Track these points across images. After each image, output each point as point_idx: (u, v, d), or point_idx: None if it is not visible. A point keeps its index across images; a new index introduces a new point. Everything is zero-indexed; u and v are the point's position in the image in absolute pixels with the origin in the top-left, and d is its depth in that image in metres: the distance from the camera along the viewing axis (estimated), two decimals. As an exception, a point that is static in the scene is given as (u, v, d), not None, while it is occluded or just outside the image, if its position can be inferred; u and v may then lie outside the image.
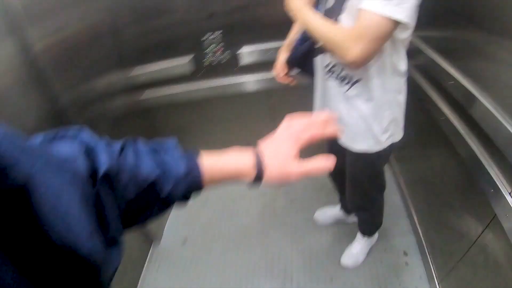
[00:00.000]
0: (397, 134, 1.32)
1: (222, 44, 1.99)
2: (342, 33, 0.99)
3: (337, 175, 1.73)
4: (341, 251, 1.98)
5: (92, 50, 1.82)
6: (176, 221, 2.52)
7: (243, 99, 2.21)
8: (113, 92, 1.99)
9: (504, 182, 1.05)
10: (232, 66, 2.08)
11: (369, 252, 1.96)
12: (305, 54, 1.33)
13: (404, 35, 1.07)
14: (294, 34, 1.41)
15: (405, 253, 1.93)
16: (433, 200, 1.77)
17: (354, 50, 0.96)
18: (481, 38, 1.17)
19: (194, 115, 2.39)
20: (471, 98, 1.18)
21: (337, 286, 1.87)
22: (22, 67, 1.37)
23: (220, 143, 2.38)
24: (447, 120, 1.37)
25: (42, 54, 1.42)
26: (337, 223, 2.17)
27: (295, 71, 1.46)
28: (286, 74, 1.44)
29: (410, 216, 2.09)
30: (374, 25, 0.93)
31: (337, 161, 1.30)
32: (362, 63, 1.00)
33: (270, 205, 2.44)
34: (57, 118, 1.54)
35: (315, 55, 1.30)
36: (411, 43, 1.60)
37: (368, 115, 1.23)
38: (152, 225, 2.27)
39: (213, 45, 2.00)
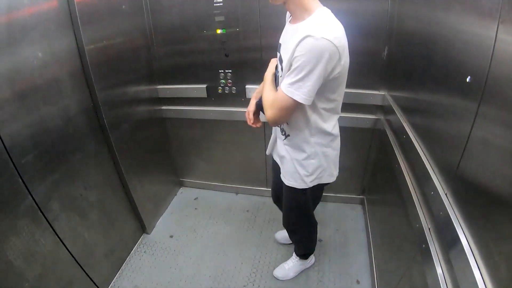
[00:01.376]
0: (324, 177, 1.65)
1: (231, 80, 2.47)
2: (269, 99, 1.40)
3: (279, 202, 2.09)
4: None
5: (130, 61, 2.32)
6: (168, 219, 2.96)
7: (243, 126, 2.64)
8: (139, 99, 2.47)
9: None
10: (239, 97, 2.52)
11: (324, 275, 2.28)
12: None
13: (329, 105, 1.43)
14: (261, 85, 1.68)
15: (358, 282, 2.23)
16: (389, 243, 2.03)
17: (268, 113, 1.38)
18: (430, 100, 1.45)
19: (202, 131, 2.84)
20: (414, 149, 1.50)
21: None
22: (73, 62, 1.84)
23: (218, 160, 2.84)
24: (400, 168, 1.69)
25: (90, 55, 1.88)
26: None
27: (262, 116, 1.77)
28: (254, 118, 1.74)
29: (369, 248, 2.40)
30: (280, 99, 1.30)
31: (277, 191, 1.77)
32: (274, 123, 1.43)
33: (251, 220, 2.82)
34: (93, 112, 2.00)
35: None
36: (385, 100, 2.02)
37: (296, 161, 1.58)
38: (147, 218, 2.69)
39: (225, 79, 2.46)
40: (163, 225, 2.88)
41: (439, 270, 1.13)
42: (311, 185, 1.63)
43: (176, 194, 3.25)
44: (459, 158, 1.07)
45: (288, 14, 1.53)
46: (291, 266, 2.29)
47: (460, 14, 1.14)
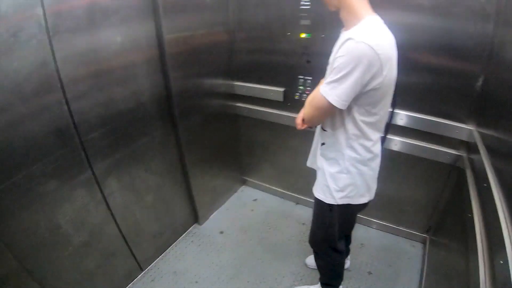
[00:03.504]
0: (355, 198, 1.58)
1: (310, 88, 2.43)
2: (308, 98, 1.42)
3: None
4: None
5: (209, 54, 2.42)
6: (223, 215, 3.06)
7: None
8: (214, 93, 2.57)
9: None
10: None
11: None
12: None
13: (370, 119, 1.38)
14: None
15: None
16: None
17: (304, 111, 1.41)
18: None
19: (272, 135, 2.86)
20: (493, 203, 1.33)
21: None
22: (151, 49, 1.97)
23: (284, 165, 2.84)
24: (472, 219, 1.52)
25: (169, 44, 2.00)
26: None
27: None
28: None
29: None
30: (316, 98, 1.33)
31: None
32: (308, 121, 1.45)
33: (304, 234, 2.78)
34: (165, 100, 2.13)
35: None
36: (472, 136, 1.88)
37: (328, 173, 1.56)
38: (201, 209, 2.81)
39: (303, 86, 2.44)
40: (216, 220, 2.99)
41: None
42: (340, 202, 1.59)
43: (236, 192, 3.33)
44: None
45: None
46: None
47: None
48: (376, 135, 1.48)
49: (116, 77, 1.79)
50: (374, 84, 1.25)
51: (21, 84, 1.35)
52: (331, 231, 1.76)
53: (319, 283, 2.18)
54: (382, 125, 1.48)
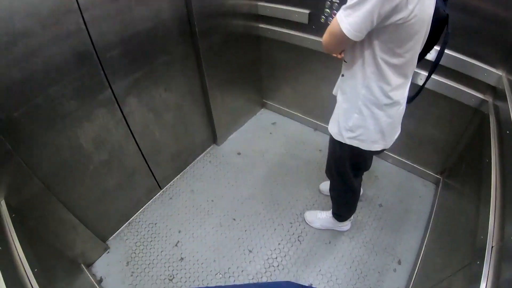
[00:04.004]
0: (367, 143, 1.49)
1: (337, 11, 2.27)
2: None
3: None
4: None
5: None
6: (241, 136, 3.11)
7: (338, 63, 2.53)
8: (236, 13, 2.46)
9: None
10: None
11: (370, 241, 2.27)
12: None
13: (393, 60, 1.24)
14: None
15: (399, 262, 2.18)
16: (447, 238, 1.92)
17: (323, 35, 1.29)
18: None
19: (295, 58, 2.77)
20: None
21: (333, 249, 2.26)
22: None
23: (305, 90, 2.79)
24: (489, 166, 1.50)
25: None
26: None
27: None
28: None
29: (424, 234, 2.29)
30: (332, 23, 1.20)
31: None
32: (324, 47, 1.33)
33: (320, 161, 2.81)
34: (185, 18, 2.06)
35: None
36: (501, 82, 1.79)
37: (341, 107, 1.48)
38: (220, 130, 2.86)
39: (330, 9, 2.29)
40: (235, 141, 3.04)
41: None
42: (348, 142, 1.51)
43: (255, 114, 3.34)
44: None
45: None
46: (322, 217, 2.31)
47: None
48: (398, 80, 1.33)
49: (135, -4, 1.72)
50: (395, 18, 1.09)
51: (37, 7, 1.31)
52: (343, 167, 1.73)
53: (331, 210, 2.24)
54: (409, 70, 1.34)
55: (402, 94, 1.40)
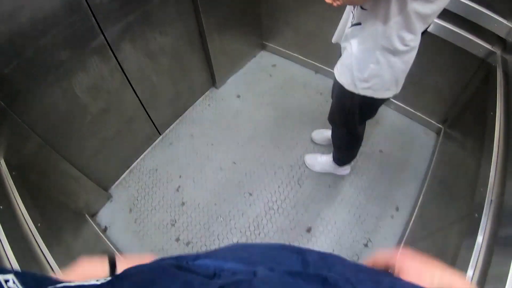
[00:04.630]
0: (379, 91, 1.46)
1: None
2: None
3: None
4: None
5: None
6: (240, 79, 3.06)
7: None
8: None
9: None
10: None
11: (369, 186, 2.32)
12: None
13: (423, 9, 1.14)
14: None
15: (397, 209, 2.24)
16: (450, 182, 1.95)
17: None
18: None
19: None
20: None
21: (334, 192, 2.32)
22: None
23: (306, 31, 2.70)
24: (493, 119, 1.48)
25: None
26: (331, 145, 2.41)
27: None
28: None
29: (423, 182, 2.33)
30: None
31: None
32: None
33: (321, 104, 2.81)
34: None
35: None
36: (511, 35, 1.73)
37: (355, 57, 1.39)
38: (219, 73, 2.80)
39: None
40: (234, 84, 2.99)
41: (475, 253, 1.07)
42: (361, 92, 1.47)
43: (255, 56, 3.24)
44: None
45: None
46: (322, 161, 2.33)
47: None
48: (420, 30, 1.26)
49: None
50: None
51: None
52: (351, 117, 1.70)
53: (331, 154, 2.26)
54: (431, 20, 1.25)
55: (419, 40, 1.31)
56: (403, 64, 1.37)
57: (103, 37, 1.73)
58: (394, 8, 1.16)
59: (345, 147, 2.06)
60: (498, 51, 1.89)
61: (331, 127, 2.03)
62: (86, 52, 1.68)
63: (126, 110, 2.10)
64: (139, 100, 2.15)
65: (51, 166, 1.73)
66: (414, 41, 1.28)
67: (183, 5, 2.15)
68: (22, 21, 1.33)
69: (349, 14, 1.43)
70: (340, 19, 1.56)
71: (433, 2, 1.11)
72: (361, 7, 1.27)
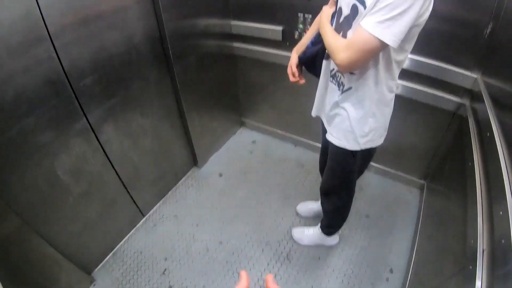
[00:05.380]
0: (376, 140, 1.56)
1: (310, 26, 2.33)
2: (339, 41, 1.26)
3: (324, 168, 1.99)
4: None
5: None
6: (222, 157, 3.10)
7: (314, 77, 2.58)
8: (210, 33, 2.48)
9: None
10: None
11: (360, 253, 2.28)
12: (313, 57, 1.60)
13: (400, 57, 1.30)
14: (306, 38, 1.68)
15: (391, 270, 2.20)
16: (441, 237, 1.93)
17: (341, 56, 1.22)
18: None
19: (271, 75, 2.81)
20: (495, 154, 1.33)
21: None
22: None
23: (282, 107, 2.82)
24: (473, 169, 1.52)
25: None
26: (318, 216, 2.42)
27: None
28: (298, 74, 1.69)
29: (413, 241, 2.31)
30: (362, 40, 1.15)
31: (326, 157, 1.65)
32: (347, 67, 1.25)
33: (302, 176, 2.84)
34: (158, 41, 2.06)
35: (322, 59, 1.56)
36: (476, 85, 1.85)
37: (353, 118, 1.47)
38: (200, 152, 2.84)
39: (303, 25, 2.35)
40: (215, 162, 3.03)
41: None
42: (363, 147, 1.55)
43: (234, 133, 3.34)
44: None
45: None
46: (310, 234, 2.30)
47: None
48: (398, 73, 1.41)
49: (106, 21, 1.70)
50: (421, 20, 1.16)
51: (5, 36, 1.28)
52: (352, 177, 1.78)
53: (318, 226, 2.25)
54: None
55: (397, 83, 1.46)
56: (390, 109, 1.51)
57: (85, 120, 1.77)
58: (382, 65, 1.30)
59: (339, 210, 2.06)
60: (467, 102, 2.02)
61: (315, 199, 2.06)
62: (68, 134, 1.70)
63: (109, 191, 2.08)
64: (122, 181, 2.14)
65: (31, 247, 1.64)
66: (395, 86, 1.43)
67: (163, 88, 2.25)
68: (5, 100, 1.36)
69: (326, 85, 1.58)
70: (315, 92, 1.71)
71: (407, 50, 1.27)
72: (350, 73, 1.39)
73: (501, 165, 1.24)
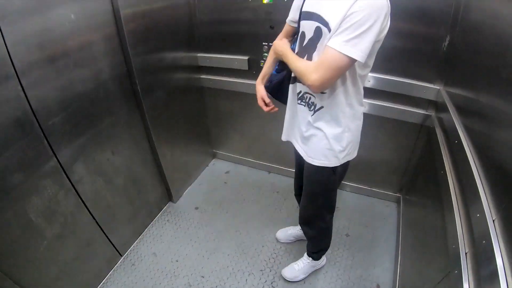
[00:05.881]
0: (352, 153, 1.63)
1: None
2: (307, 64, 1.34)
3: (301, 195, 1.99)
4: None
5: (170, 27, 2.34)
6: (196, 190, 3.07)
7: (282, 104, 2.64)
8: (177, 66, 2.51)
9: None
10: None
11: (345, 272, 2.28)
12: (280, 83, 1.69)
13: (364, 72, 1.40)
14: (267, 69, 1.75)
15: (378, 286, 2.20)
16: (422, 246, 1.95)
17: (313, 76, 1.28)
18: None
19: (240, 104, 2.86)
20: (466, 159, 1.38)
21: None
22: (108, 25, 1.88)
23: (254, 135, 2.85)
24: (445, 176, 1.57)
25: (126, 19, 1.91)
26: (298, 241, 2.51)
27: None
28: (266, 100, 1.76)
29: (396, 253, 2.34)
30: (333, 59, 1.23)
31: (301, 181, 1.69)
32: (319, 87, 1.32)
33: (279, 202, 2.86)
34: (126, 77, 2.07)
35: (288, 84, 1.64)
36: (440, 95, 1.93)
37: (331, 136, 1.53)
38: (174, 187, 2.81)
39: (268, 53, 2.40)
40: (190, 196, 2.99)
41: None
42: (343, 161, 1.60)
43: (207, 165, 3.33)
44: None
45: None
46: (301, 267, 2.27)
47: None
48: (363, 88, 1.50)
49: (73, 58, 1.70)
50: (381, 35, 1.25)
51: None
52: (334, 194, 1.83)
53: (305, 255, 2.26)
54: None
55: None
56: (361, 122, 1.61)
57: (56, 160, 1.72)
58: (349, 81, 1.39)
59: (325, 232, 2.08)
60: (432, 113, 2.11)
61: (294, 224, 2.08)
62: (39, 175, 1.65)
63: (84, 232, 2.00)
64: (96, 222, 2.07)
65: (5, 294, 1.56)
66: (363, 97, 1.52)
67: (133, 124, 2.24)
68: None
69: (295, 108, 1.64)
70: (283, 117, 1.77)
71: (369, 66, 1.39)
72: (321, 92, 1.46)
73: (472, 170, 1.29)
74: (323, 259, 2.31)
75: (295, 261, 2.31)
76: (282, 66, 1.68)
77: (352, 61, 1.22)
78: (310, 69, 1.31)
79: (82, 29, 1.72)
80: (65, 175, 1.80)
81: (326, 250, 2.22)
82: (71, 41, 1.67)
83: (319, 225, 2.00)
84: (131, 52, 1.99)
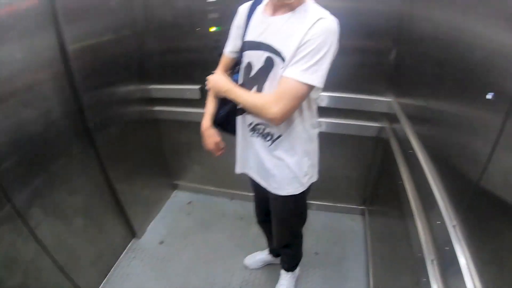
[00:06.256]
0: (314, 175, 1.66)
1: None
2: (264, 98, 1.33)
3: (265, 221, 2.04)
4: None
5: (119, 60, 2.34)
6: (160, 224, 3.01)
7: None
8: (129, 100, 2.51)
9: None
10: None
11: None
12: (227, 116, 1.66)
13: (316, 95, 1.41)
14: (212, 109, 1.72)
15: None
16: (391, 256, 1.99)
17: (274, 110, 1.26)
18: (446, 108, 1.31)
19: (196, 134, 2.79)
20: (420, 168, 1.42)
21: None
22: (56, 62, 1.85)
23: (212, 163, 2.87)
24: (403, 186, 1.61)
25: (74, 54, 1.90)
26: (267, 265, 2.52)
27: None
28: (220, 145, 1.78)
29: (367, 266, 2.39)
30: (293, 89, 1.23)
31: (264, 209, 1.70)
32: (281, 119, 1.30)
33: (244, 228, 2.86)
34: (77, 115, 2.03)
35: (236, 116, 1.63)
36: (391, 107, 2.01)
37: (292, 164, 1.52)
38: (137, 223, 2.75)
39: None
40: (154, 230, 2.93)
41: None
42: (307, 185, 1.62)
43: (169, 198, 3.29)
44: (474, 185, 0.98)
45: (241, 10, 1.55)
46: (287, 285, 2.26)
47: (481, 19, 1.05)
48: (316, 110, 1.53)
49: (21, 98, 1.66)
50: (332, 59, 1.27)
51: None
52: (305, 215, 1.90)
53: (286, 273, 2.27)
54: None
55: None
56: (317, 143, 1.62)
57: (10, 205, 1.65)
58: (305, 106, 1.41)
59: (299, 248, 2.15)
60: (386, 125, 2.21)
61: (261, 249, 2.10)
62: (-5, 223, 1.58)
63: (47, 279, 1.90)
64: (59, 267, 1.99)
65: None
66: (316, 119, 1.55)
67: (88, 162, 2.20)
68: None
69: (247, 140, 1.63)
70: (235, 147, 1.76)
71: (320, 88, 1.33)
72: None
73: (428, 178, 1.35)
74: (298, 267, 2.32)
75: (272, 285, 2.32)
76: (224, 100, 1.61)
77: (312, 88, 1.26)
78: (269, 103, 1.28)
79: (29, 68, 1.69)
80: (22, 221, 1.73)
81: (300, 259, 2.24)
82: (18, 81, 1.64)
83: (297, 242, 2.07)
84: (80, 88, 1.98)
